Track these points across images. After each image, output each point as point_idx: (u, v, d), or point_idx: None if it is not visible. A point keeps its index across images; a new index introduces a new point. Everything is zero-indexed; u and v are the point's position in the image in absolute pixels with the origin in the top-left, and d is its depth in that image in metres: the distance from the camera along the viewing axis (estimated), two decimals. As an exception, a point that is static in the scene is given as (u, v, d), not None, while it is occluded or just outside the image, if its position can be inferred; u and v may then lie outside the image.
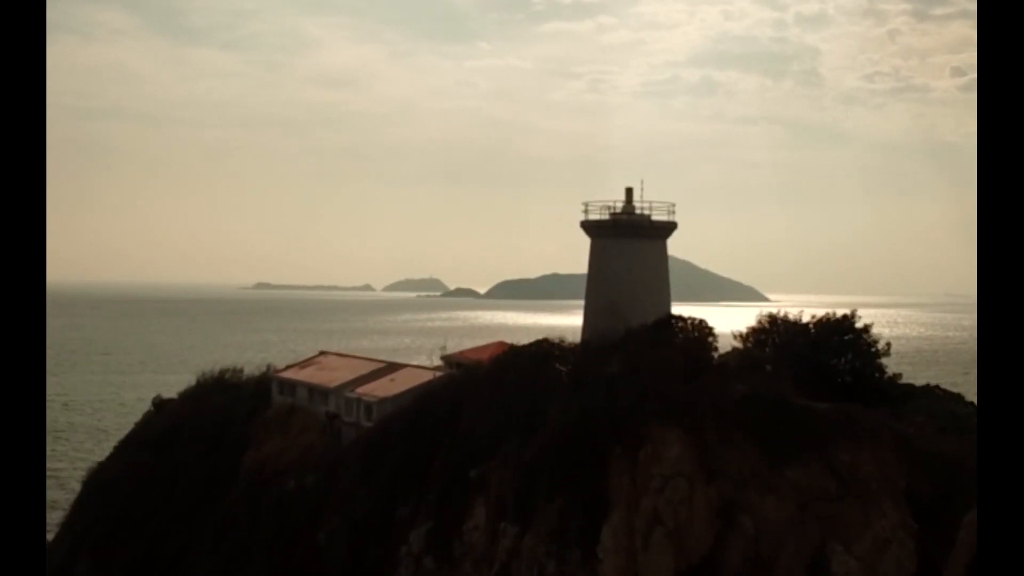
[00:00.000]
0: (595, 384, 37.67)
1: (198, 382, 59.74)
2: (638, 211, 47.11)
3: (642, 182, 46.26)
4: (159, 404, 60.86)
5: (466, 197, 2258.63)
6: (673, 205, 46.58)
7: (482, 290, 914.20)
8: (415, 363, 54.96)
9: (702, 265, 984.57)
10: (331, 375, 55.29)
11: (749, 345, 55.72)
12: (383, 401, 47.98)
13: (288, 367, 61.44)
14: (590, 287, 47.63)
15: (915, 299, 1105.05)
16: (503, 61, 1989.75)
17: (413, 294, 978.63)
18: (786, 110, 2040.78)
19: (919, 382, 55.01)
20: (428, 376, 49.65)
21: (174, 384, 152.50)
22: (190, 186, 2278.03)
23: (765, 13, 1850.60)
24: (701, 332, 41.40)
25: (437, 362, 60.30)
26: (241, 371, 61.41)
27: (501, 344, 57.19)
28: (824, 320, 53.33)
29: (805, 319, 54.68)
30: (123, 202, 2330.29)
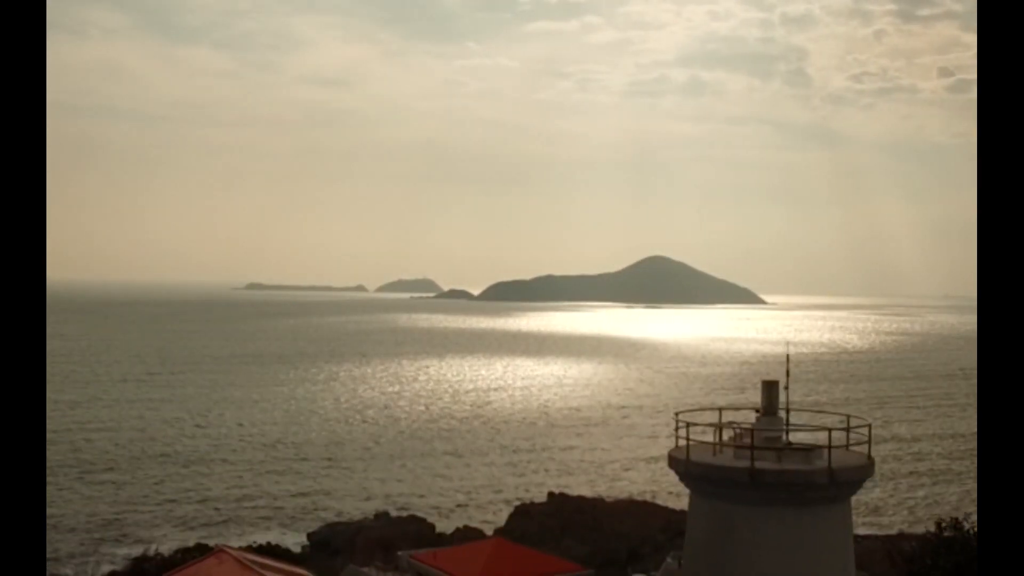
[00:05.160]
0: None
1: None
2: (789, 436, 22.51)
3: (787, 374, 22.90)
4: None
5: (459, 197, 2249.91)
6: (869, 427, 22.28)
7: (476, 291, 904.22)
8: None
9: (697, 267, 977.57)
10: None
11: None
12: None
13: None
14: None
15: (912, 301, 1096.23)
16: (492, 61, 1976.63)
17: (407, 295, 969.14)
18: (775, 110, 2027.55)
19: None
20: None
21: (148, 411, 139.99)
22: (182, 185, 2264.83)
23: (751, 13, 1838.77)
24: None
25: (399, 557, 40.30)
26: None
27: (500, 544, 38.19)
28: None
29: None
30: (114, 201, 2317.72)
